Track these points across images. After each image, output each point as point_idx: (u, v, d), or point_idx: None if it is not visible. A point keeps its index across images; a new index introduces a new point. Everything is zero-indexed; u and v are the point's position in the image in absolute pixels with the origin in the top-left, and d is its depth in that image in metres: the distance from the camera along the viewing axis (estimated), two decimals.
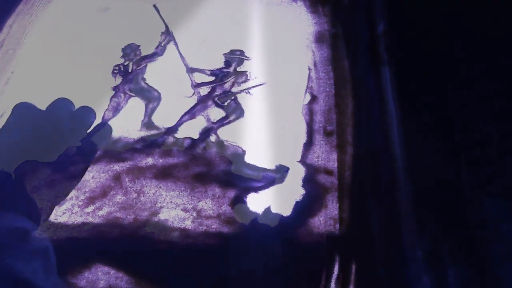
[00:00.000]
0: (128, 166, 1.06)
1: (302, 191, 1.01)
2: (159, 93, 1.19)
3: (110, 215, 0.99)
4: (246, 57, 1.23)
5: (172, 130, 1.12)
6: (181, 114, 1.15)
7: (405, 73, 1.14)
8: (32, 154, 0.61)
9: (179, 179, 1.04)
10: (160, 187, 1.03)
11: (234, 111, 1.15)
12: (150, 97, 1.19)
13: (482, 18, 1.15)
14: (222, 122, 1.13)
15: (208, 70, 1.22)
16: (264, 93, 1.17)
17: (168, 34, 1.29)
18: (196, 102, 1.17)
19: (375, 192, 0.99)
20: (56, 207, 1.00)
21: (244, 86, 1.19)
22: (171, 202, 1.00)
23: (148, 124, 1.14)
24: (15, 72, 1.25)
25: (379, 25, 1.23)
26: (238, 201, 1.00)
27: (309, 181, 1.02)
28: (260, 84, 1.18)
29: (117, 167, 1.06)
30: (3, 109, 1.16)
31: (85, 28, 1.31)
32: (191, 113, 1.15)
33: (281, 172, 1.04)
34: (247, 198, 1.01)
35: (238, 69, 1.21)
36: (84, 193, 1.02)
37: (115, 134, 1.12)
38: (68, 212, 0.99)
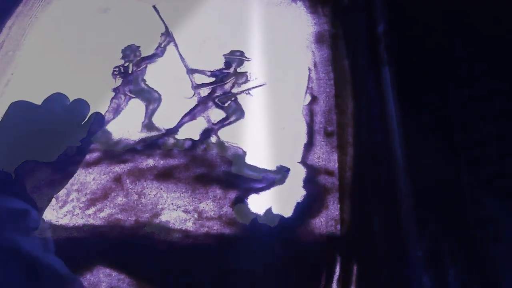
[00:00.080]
0: (128, 167, 1.06)
1: (303, 192, 1.01)
2: (159, 94, 1.19)
3: (111, 217, 0.99)
4: (246, 58, 1.23)
5: (172, 131, 1.12)
6: (182, 115, 1.15)
7: (405, 73, 1.14)
8: (30, 149, 0.62)
9: (180, 180, 1.04)
10: (161, 189, 1.03)
11: (235, 112, 1.15)
12: (150, 98, 1.19)
13: (482, 18, 1.15)
14: (222, 123, 1.13)
15: (208, 71, 1.22)
16: (265, 94, 1.17)
17: (168, 35, 1.29)
18: (197, 103, 1.17)
19: (376, 193, 1.00)
20: (58, 209, 1.00)
21: (244, 87, 1.19)
22: (172, 203, 1.01)
23: (148, 125, 1.14)
24: (15, 73, 1.25)
25: (379, 25, 1.23)
26: (239, 202, 1.00)
27: (309, 182, 1.02)
28: (260, 85, 1.18)
29: (118, 168, 1.06)
30: (3, 111, 1.16)
31: (84, 29, 1.31)
32: (191, 114, 1.15)
33: (281, 173, 1.04)
34: (248, 199, 1.01)
35: (238, 70, 1.21)
36: (85, 195, 1.02)
37: (116, 135, 1.12)
38: (69, 214, 1.00)
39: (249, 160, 1.07)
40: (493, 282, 0.90)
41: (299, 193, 1.01)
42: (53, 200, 1.01)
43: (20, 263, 0.51)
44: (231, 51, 1.24)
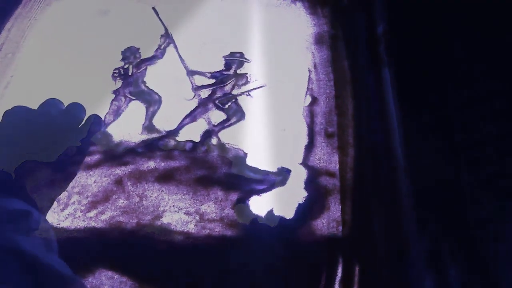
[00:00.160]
0: (129, 170, 1.06)
1: (304, 194, 1.01)
2: (159, 96, 1.19)
3: (113, 220, 0.99)
4: (246, 59, 1.23)
5: (173, 133, 1.12)
6: (182, 117, 1.15)
7: (405, 74, 1.14)
8: (29, 153, 0.62)
9: (181, 182, 1.04)
10: (163, 191, 1.03)
11: (235, 113, 1.15)
12: (151, 100, 1.19)
13: (482, 18, 1.16)
14: (223, 124, 1.13)
15: (208, 73, 1.22)
16: (265, 95, 1.17)
17: (167, 37, 1.28)
18: (197, 105, 1.17)
19: (377, 193, 1.00)
20: (59, 212, 1.00)
21: (244, 88, 1.19)
22: (173, 205, 1.01)
23: (149, 127, 1.14)
24: (15, 76, 1.25)
25: (378, 26, 1.23)
26: (240, 204, 1.01)
27: (311, 183, 1.02)
28: (261, 87, 1.18)
29: (119, 171, 1.06)
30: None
31: (84, 31, 1.31)
32: (192, 116, 1.15)
33: (283, 174, 1.04)
34: (250, 201, 1.01)
35: (238, 71, 1.21)
36: (87, 198, 1.02)
37: (116, 138, 1.12)
38: (70, 217, 1.00)
39: (250, 161, 1.07)
40: (493, 282, 0.90)
41: (300, 195, 1.02)
42: (55, 203, 1.01)
43: (20, 264, 0.51)
44: (231, 52, 1.24)
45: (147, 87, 1.21)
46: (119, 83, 1.21)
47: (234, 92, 1.18)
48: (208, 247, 0.96)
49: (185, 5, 1.34)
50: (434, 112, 1.09)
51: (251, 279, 0.93)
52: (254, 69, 1.22)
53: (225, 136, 1.11)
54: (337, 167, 1.04)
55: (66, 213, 0.99)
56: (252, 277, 0.92)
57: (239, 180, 1.04)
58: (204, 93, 1.19)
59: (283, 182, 1.04)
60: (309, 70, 1.20)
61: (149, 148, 1.10)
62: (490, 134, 1.05)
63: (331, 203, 1.00)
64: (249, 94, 1.18)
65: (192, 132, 1.13)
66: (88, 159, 1.06)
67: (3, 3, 1.36)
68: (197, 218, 0.99)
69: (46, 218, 0.65)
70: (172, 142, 1.11)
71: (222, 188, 1.03)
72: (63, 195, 0.99)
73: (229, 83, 1.20)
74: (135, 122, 1.14)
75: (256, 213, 1.00)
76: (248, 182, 1.04)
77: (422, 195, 0.99)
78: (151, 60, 1.25)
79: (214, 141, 1.10)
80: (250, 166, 1.06)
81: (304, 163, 1.06)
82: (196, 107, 1.16)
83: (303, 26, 1.28)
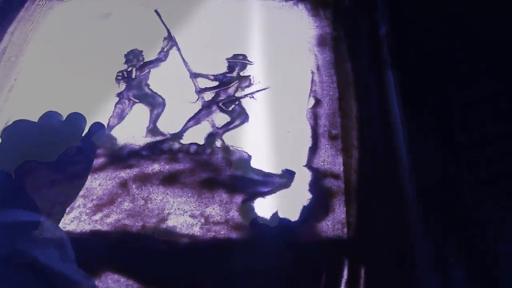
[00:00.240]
0: (134, 172, 1.06)
1: (309, 196, 1.02)
2: (163, 99, 1.19)
3: (118, 223, 0.99)
4: (249, 61, 1.23)
5: (177, 136, 1.13)
6: (186, 120, 1.15)
7: (407, 75, 1.15)
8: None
9: (186, 185, 1.04)
10: (167, 194, 1.03)
11: (239, 116, 1.15)
12: (154, 103, 1.19)
13: (484, 19, 1.16)
14: (227, 127, 1.13)
15: (212, 75, 1.22)
16: (268, 97, 1.17)
17: (170, 40, 1.29)
18: (201, 107, 1.17)
19: (381, 195, 1.00)
20: (64, 215, 1.00)
21: (248, 90, 1.19)
22: (178, 208, 1.01)
23: (153, 130, 1.14)
24: (18, 79, 1.25)
25: (381, 28, 1.24)
26: (245, 206, 1.01)
27: (315, 185, 1.03)
28: (264, 89, 1.19)
29: (124, 174, 1.06)
30: (8, 116, 1.16)
31: (87, 34, 1.31)
32: (196, 119, 1.15)
33: (287, 176, 1.04)
34: (254, 203, 1.01)
35: (242, 73, 1.22)
36: (92, 201, 1.02)
37: (121, 141, 1.12)
38: (76, 220, 1.00)
39: (254, 164, 1.07)
40: (495, 282, 0.91)
41: (305, 197, 1.02)
42: None
43: (34, 276, 0.51)
44: (234, 55, 1.25)
45: (150, 89, 1.21)
46: (122, 86, 1.22)
47: (238, 94, 1.19)
48: (213, 249, 0.96)
49: (187, 8, 1.34)
50: (437, 113, 1.09)
51: (256, 281, 0.93)
52: (257, 71, 1.22)
53: (229, 138, 1.12)
54: (342, 169, 1.04)
55: (72, 216, 1.00)
56: (257, 279, 0.93)
57: (243, 182, 1.04)
58: (208, 96, 1.19)
59: (287, 184, 1.04)
60: (312, 72, 1.20)
61: (154, 150, 1.10)
62: (491, 134, 1.05)
63: (336, 205, 1.00)
64: (253, 96, 1.18)
65: (196, 135, 1.13)
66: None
67: (5, 8, 1.37)
68: (202, 220, 0.99)
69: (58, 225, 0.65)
70: (176, 145, 1.11)
71: (227, 190, 1.03)
72: None
73: (233, 85, 1.20)
74: (139, 125, 1.15)
75: (261, 215, 1.00)
76: (252, 184, 1.04)
77: (428, 196, 0.99)
78: (154, 62, 1.26)
79: (218, 143, 1.11)
80: (255, 169, 1.06)
81: (308, 165, 1.06)
82: (200, 110, 1.16)
83: (306, 28, 1.29)
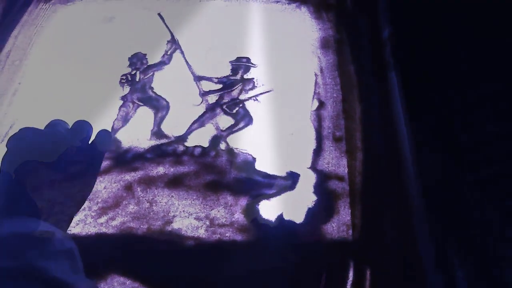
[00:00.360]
0: (139, 175, 1.07)
1: (314, 198, 1.02)
2: (167, 102, 1.20)
3: (124, 225, 0.99)
4: (253, 64, 1.24)
5: (181, 138, 1.13)
6: (190, 123, 1.15)
7: (410, 77, 1.15)
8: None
9: (190, 187, 1.04)
10: (172, 196, 1.03)
11: (243, 118, 1.15)
12: (159, 106, 1.19)
13: (485, 20, 1.17)
14: (231, 129, 1.14)
15: (216, 78, 1.22)
16: (272, 100, 1.18)
17: (174, 43, 1.29)
18: (205, 110, 1.17)
19: (386, 196, 1.00)
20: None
21: (251, 93, 1.19)
22: (183, 211, 1.01)
23: (157, 133, 1.14)
24: (22, 83, 1.25)
25: (384, 30, 1.24)
26: (251, 209, 1.01)
27: (320, 188, 1.03)
28: (268, 91, 1.19)
29: (129, 177, 1.07)
30: (13, 120, 1.17)
31: (90, 38, 1.32)
32: (200, 121, 1.16)
33: (292, 179, 1.05)
34: (259, 205, 1.02)
35: (245, 76, 1.22)
36: (97, 204, 1.03)
37: (125, 144, 1.13)
38: (81, 223, 1.00)
39: (258, 166, 1.08)
40: (497, 283, 0.91)
41: (310, 199, 1.02)
42: None
43: (45, 287, 0.50)
44: (238, 57, 1.25)
45: (154, 93, 1.22)
46: (126, 89, 1.22)
47: (242, 97, 1.19)
48: (219, 251, 0.96)
49: (191, 11, 1.34)
50: (440, 113, 1.10)
51: (261, 283, 0.93)
52: (261, 74, 1.22)
53: (233, 140, 1.12)
54: (346, 171, 1.05)
55: (77, 219, 1.00)
56: (262, 280, 0.93)
57: (248, 184, 1.05)
58: (212, 98, 1.19)
59: (292, 187, 1.04)
60: (316, 75, 1.21)
61: (158, 153, 1.10)
62: (491, 134, 1.06)
63: (341, 207, 1.00)
64: (257, 99, 1.18)
65: (201, 137, 1.13)
66: None
67: (9, 12, 1.37)
68: (207, 223, 0.99)
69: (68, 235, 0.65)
70: (181, 148, 1.11)
71: (232, 193, 1.03)
72: None
73: (236, 88, 1.20)
74: (144, 128, 1.15)
75: (265, 218, 1.00)
76: (257, 186, 1.04)
77: (432, 197, 0.99)
78: (158, 66, 1.26)
79: (222, 146, 1.11)
80: (259, 171, 1.07)
81: (313, 167, 1.06)
82: (204, 112, 1.17)
83: (309, 31, 1.29)
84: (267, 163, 1.08)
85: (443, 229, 0.96)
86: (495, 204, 0.97)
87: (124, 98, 1.21)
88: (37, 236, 0.54)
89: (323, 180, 1.04)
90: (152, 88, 1.22)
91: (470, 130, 1.07)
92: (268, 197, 1.03)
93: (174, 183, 1.05)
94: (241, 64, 1.24)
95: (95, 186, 1.05)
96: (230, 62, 1.24)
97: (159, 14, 1.34)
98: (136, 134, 1.14)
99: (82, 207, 1.00)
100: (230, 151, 1.10)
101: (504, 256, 0.93)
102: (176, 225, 0.99)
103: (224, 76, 1.22)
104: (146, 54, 1.28)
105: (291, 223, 0.99)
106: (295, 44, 1.27)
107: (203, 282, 0.93)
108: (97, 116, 1.16)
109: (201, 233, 0.98)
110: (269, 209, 1.02)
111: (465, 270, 0.91)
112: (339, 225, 0.98)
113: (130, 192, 1.04)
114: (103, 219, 1.00)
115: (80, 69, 1.26)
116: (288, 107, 1.16)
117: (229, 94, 1.20)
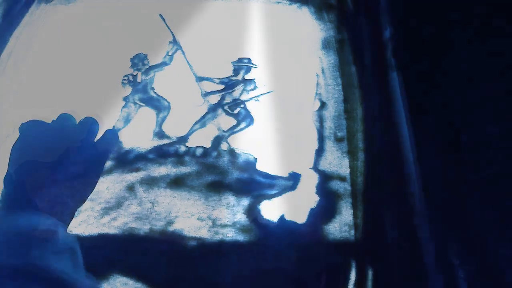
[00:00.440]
0: (141, 176, 1.07)
1: (316, 198, 1.02)
2: (168, 103, 1.20)
3: (126, 226, 1.00)
4: (254, 64, 1.24)
5: (183, 139, 1.13)
6: (192, 123, 1.16)
7: (411, 77, 1.15)
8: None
9: (193, 188, 1.05)
10: (175, 197, 1.03)
11: (244, 119, 1.16)
12: (160, 106, 1.19)
13: (487, 21, 1.17)
14: (233, 130, 1.14)
15: (217, 79, 1.23)
16: (273, 100, 1.18)
17: (175, 43, 1.29)
18: (206, 110, 1.18)
19: (388, 196, 1.01)
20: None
21: (253, 93, 1.20)
22: (186, 211, 1.01)
23: (159, 133, 1.15)
24: (24, 83, 1.25)
25: (385, 30, 1.24)
26: (252, 209, 1.01)
27: (322, 188, 1.03)
28: (269, 92, 1.19)
29: (131, 177, 1.07)
30: (14, 121, 1.17)
31: (92, 39, 1.32)
32: (201, 122, 1.16)
33: (293, 179, 1.05)
34: (261, 206, 1.02)
35: (246, 76, 1.22)
36: (99, 204, 1.03)
37: (127, 144, 1.13)
38: (84, 223, 1.00)
39: (260, 166, 1.08)
40: (495, 282, 0.91)
41: (312, 199, 1.02)
42: None
43: (46, 285, 0.50)
44: (239, 58, 1.25)
45: (156, 93, 1.22)
46: (128, 90, 1.22)
47: (243, 97, 1.19)
48: (221, 252, 0.97)
49: (192, 12, 1.35)
50: (440, 113, 1.10)
51: (263, 283, 0.93)
52: (262, 75, 1.23)
53: (235, 141, 1.12)
54: (348, 171, 1.05)
55: (80, 220, 1.00)
56: (264, 281, 0.93)
57: (250, 185, 1.05)
58: (213, 99, 1.20)
59: (293, 187, 1.04)
60: (317, 75, 1.21)
61: (160, 154, 1.10)
62: (491, 134, 1.06)
63: (343, 207, 1.00)
64: (258, 99, 1.19)
65: (202, 138, 1.13)
66: None
67: (11, 13, 1.37)
68: (210, 223, 1.00)
69: (70, 231, 0.65)
70: (182, 148, 1.12)
71: (234, 193, 1.04)
72: None
73: (238, 88, 1.21)
74: (146, 129, 1.15)
75: (267, 218, 1.00)
76: (259, 187, 1.04)
77: (433, 196, 0.99)
78: (159, 66, 1.26)
79: (224, 146, 1.11)
80: (261, 171, 1.07)
81: (315, 168, 1.07)
82: (206, 113, 1.17)
83: (310, 31, 1.29)
84: (269, 164, 1.08)
85: (443, 229, 0.96)
86: (495, 204, 0.97)
87: (126, 98, 1.21)
88: (40, 234, 0.54)
89: (324, 181, 1.04)
90: (153, 89, 1.23)
91: (470, 130, 1.07)
92: (269, 197, 1.03)
93: (176, 183, 1.05)
94: (243, 65, 1.24)
95: (97, 186, 1.05)
96: (232, 62, 1.25)
97: (160, 15, 1.34)
98: (138, 134, 1.15)
99: (84, 207, 1.00)
100: (231, 151, 1.10)
101: (504, 256, 0.93)
102: (178, 225, 1.00)
103: (226, 77, 1.23)
104: (147, 54, 1.28)
105: (293, 223, 0.99)
106: (296, 44, 1.27)
107: (205, 282, 0.94)
108: (98, 117, 1.16)
109: (203, 233, 0.98)
110: (271, 210, 1.02)
111: (465, 270, 0.92)
112: (341, 225, 0.98)
113: (132, 193, 1.04)
114: (105, 220, 1.01)
115: (82, 69, 1.26)
116: (290, 108, 1.16)
117: (230, 95, 1.20)
